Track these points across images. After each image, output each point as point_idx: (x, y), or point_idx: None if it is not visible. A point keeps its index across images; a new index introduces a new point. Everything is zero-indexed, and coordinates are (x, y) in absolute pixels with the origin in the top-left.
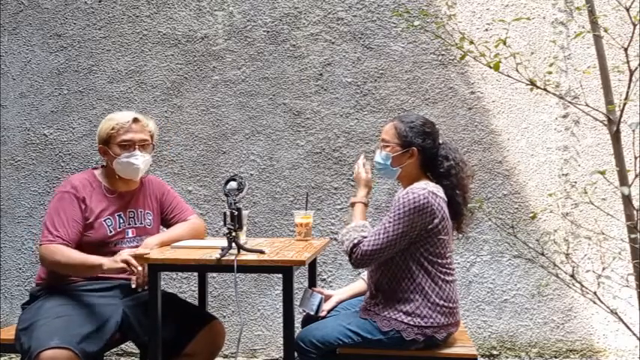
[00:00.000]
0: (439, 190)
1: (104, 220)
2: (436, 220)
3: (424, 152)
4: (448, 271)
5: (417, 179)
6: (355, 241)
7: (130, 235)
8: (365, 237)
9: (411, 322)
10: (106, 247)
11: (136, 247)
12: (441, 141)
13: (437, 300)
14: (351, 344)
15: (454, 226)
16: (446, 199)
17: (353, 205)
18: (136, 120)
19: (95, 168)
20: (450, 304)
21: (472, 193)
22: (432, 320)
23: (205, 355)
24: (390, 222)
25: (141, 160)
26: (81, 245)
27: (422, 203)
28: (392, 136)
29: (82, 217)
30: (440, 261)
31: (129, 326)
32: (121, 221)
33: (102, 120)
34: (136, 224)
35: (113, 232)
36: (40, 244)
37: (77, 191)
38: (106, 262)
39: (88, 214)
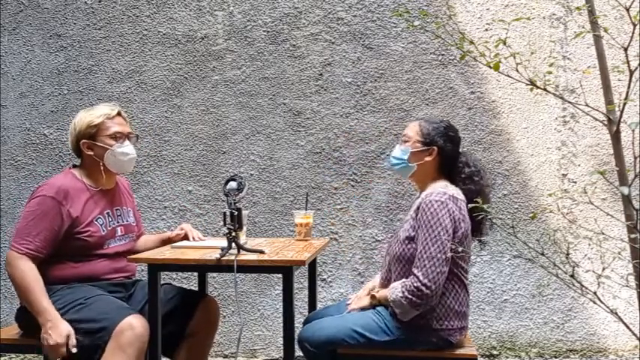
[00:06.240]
0: (459, 193)
1: (96, 220)
2: (463, 224)
3: (443, 154)
4: (466, 275)
5: (434, 181)
6: (406, 286)
7: (120, 233)
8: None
9: (428, 325)
10: (100, 248)
11: (126, 244)
12: (461, 150)
13: (454, 305)
14: (357, 345)
15: (473, 232)
16: (465, 200)
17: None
18: (119, 113)
19: (71, 168)
20: (464, 309)
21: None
22: (446, 323)
23: (205, 332)
24: (427, 240)
25: (134, 150)
26: (76, 249)
27: (447, 210)
28: (415, 133)
29: (59, 225)
30: (462, 264)
31: None
32: (110, 219)
33: (79, 118)
34: (123, 222)
35: (106, 231)
36: (11, 248)
37: (62, 197)
38: (47, 317)
39: (77, 219)
